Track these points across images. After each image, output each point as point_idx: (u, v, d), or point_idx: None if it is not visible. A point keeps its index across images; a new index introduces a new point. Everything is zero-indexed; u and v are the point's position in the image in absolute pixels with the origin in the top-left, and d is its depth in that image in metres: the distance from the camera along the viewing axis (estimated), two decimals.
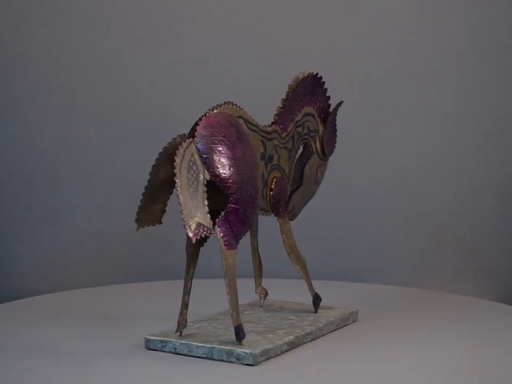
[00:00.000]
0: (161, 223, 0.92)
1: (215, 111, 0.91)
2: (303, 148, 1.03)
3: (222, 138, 0.88)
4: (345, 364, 0.89)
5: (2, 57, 1.37)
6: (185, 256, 0.93)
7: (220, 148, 0.88)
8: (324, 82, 1.03)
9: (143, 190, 0.89)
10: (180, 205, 0.84)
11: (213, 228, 0.86)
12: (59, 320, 1.05)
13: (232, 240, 0.88)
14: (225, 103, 0.92)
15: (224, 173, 0.87)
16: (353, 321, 1.04)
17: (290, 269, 1.03)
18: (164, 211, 0.91)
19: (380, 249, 1.37)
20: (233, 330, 0.89)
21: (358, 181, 1.36)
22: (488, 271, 1.36)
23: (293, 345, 0.93)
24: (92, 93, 1.37)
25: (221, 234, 0.87)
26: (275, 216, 0.98)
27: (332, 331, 1.00)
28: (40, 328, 1.01)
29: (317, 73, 1.02)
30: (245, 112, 0.93)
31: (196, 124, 0.89)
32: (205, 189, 0.86)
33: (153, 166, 0.89)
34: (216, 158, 0.87)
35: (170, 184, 0.88)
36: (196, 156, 0.87)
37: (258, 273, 1.05)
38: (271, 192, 0.96)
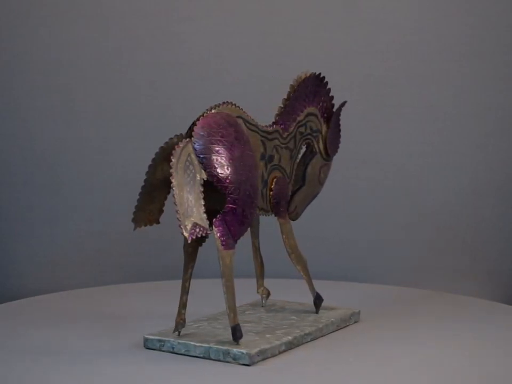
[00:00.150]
0: (158, 222, 0.92)
1: (213, 111, 0.90)
2: (306, 148, 1.03)
3: (219, 138, 0.88)
4: (345, 364, 0.89)
5: (2, 57, 1.37)
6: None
7: (218, 148, 0.88)
8: (327, 82, 1.02)
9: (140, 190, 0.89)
10: (176, 205, 0.84)
11: (211, 227, 0.86)
12: (59, 320, 1.05)
13: (230, 240, 0.87)
14: (223, 103, 0.92)
15: (221, 173, 0.87)
16: (355, 322, 1.04)
17: (291, 269, 1.03)
18: (161, 211, 0.91)
19: (380, 249, 1.37)
20: None
21: (358, 181, 1.36)
22: (488, 271, 1.36)
23: (291, 346, 0.92)
24: (92, 93, 1.37)
25: (218, 234, 0.87)
26: (275, 216, 0.98)
27: (333, 331, 1.00)
28: (40, 328, 1.01)
29: (319, 73, 1.01)
30: (244, 112, 0.93)
31: (193, 124, 0.89)
32: (202, 189, 0.86)
33: (150, 166, 0.89)
34: (213, 158, 0.87)
35: (167, 184, 0.88)
36: (193, 156, 0.87)
37: (260, 273, 1.05)
38: (271, 192, 0.96)
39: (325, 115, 1.03)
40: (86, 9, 1.37)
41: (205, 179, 0.87)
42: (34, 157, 1.38)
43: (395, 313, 1.09)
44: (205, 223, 0.85)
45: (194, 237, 0.84)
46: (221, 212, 0.88)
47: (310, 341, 0.95)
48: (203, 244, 0.93)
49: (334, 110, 1.04)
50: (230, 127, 0.89)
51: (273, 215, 0.98)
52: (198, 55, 1.37)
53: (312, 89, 1.01)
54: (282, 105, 0.99)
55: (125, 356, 0.90)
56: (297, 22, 1.36)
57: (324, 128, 1.03)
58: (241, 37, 1.36)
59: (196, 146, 0.87)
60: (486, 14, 1.34)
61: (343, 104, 1.04)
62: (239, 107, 0.93)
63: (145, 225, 0.91)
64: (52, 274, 1.37)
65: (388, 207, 1.37)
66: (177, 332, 0.92)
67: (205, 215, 0.85)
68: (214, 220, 0.87)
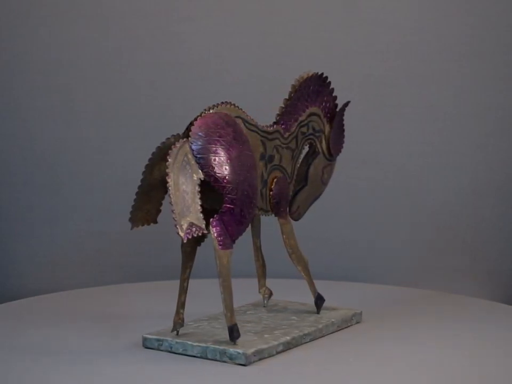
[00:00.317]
0: (156, 222, 0.92)
1: (211, 111, 0.90)
2: (309, 148, 1.03)
3: (217, 138, 0.88)
4: (344, 364, 0.89)
5: (2, 57, 1.37)
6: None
7: (215, 148, 0.88)
8: (330, 82, 1.02)
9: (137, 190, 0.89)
10: (171, 205, 0.84)
11: (208, 227, 0.86)
12: (59, 320, 1.05)
13: (227, 240, 0.87)
14: (222, 103, 0.92)
15: (218, 173, 0.87)
16: (357, 322, 1.04)
17: (292, 269, 1.03)
18: (159, 211, 0.91)
19: (380, 249, 1.37)
20: None
21: (358, 181, 1.36)
22: (488, 271, 1.36)
23: (289, 346, 0.92)
24: (92, 93, 1.37)
25: (215, 234, 0.87)
26: (275, 216, 0.98)
27: (333, 332, 0.99)
28: (40, 328, 1.01)
29: (322, 73, 1.01)
30: (243, 112, 0.93)
31: (191, 124, 0.89)
32: (198, 189, 0.86)
33: (146, 166, 0.89)
34: (210, 158, 0.87)
35: (164, 184, 0.88)
36: (190, 156, 0.87)
37: (262, 273, 1.05)
38: (271, 192, 0.96)
39: (328, 115, 1.03)
40: (86, 9, 1.37)
41: (202, 179, 0.86)
42: (34, 157, 1.38)
43: (395, 313, 1.09)
44: (201, 223, 0.85)
45: (190, 237, 0.84)
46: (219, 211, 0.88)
47: (309, 341, 0.95)
48: (202, 244, 0.93)
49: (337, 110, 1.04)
50: (228, 127, 0.89)
51: (273, 215, 0.98)
52: (198, 55, 1.37)
53: (314, 89, 1.01)
54: (283, 105, 0.99)
55: (125, 355, 0.90)
56: (297, 22, 1.36)
57: (327, 128, 1.03)
58: (241, 37, 1.36)
59: (193, 146, 0.87)
60: (486, 14, 1.34)
61: (346, 104, 1.03)
62: (238, 107, 0.93)
63: (143, 225, 0.91)
64: (52, 274, 1.37)
65: (388, 207, 1.37)
66: (175, 332, 0.92)
67: (201, 215, 0.85)
68: (211, 219, 0.87)
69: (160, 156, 0.89)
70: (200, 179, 0.86)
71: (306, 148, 1.02)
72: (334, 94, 1.03)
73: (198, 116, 0.90)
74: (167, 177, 0.85)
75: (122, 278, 1.34)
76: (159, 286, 1.26)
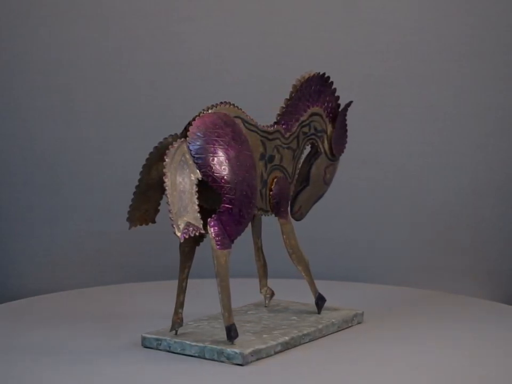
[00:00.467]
0: (154, 222, 0.92)
1: (210, 111, 0.90)
2: (311, 148, 1.03)
3: (215, 138, 0.88)
4: (344, 364, 0.89)
5: (2, 57, 1.37)
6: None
7: (213, 148, 0.88)
8: (332, 82, 1.02)
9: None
10: (168, 205, 0.84)
11: (206, 227, 0.86)
12: (59, 320, 1.05)
13: (225, 240, 0.87)
14: (221, 103, 0.91)
15: (216, 173, 0.87)
16: (358, 323, 1.04)
17: (293, 268, 1.03)
18: (157, 210, 0.91)
19: (380, 249, 1.37)
20: None
21: (358, 181, 1.36)
22: (488, 271, 1.36)
23: (288, 346, 0.92)
24: (92, 93, 1.37)
25: (213, 234, 0.87)
26: (275, 216, 0.98)
27: (333, 332, 0.99)
28: (40, 328, 1.01)
29: (324, 73, 1.01)
30: (243, 112, 0.93)
31: (189, 123, 0.89)
32: (196, 189, 0.86)
33: (144, 166, 0.89)
34: (209, 158, 0.87)
35: (161, 184, 0.88)
36: (188, 156, 0.87)
37: (263, 273, 1.04)
38: (271, 192, 0.96)
39: (331, 115, 1.03)
40: (86, 9, 1.37)
41: (200, 179, 0.86)
42: (34, 157, 1.38)
43: (395, 313, 1.09)
44: (199, 223, 0.85)
45: (187, 236, 0.84)
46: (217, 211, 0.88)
47: (309, 341, 0.95)
48: (202, 244, 0.92)
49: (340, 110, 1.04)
50: (227, 127, 0.89)
51: (273, 215, 0.98)
52: (198, 55, 1.37)
53: (316, 89, 1.00)
54: (284, 105, 0.98)
55: (125, 355, 0.90)
56: (297, 22, 1.36)
57: (329, 128, 1.03)
58: (241, 37, 1.36)
59: (191, 146, 0.87)
60: (486, 14, 1.34)
61: (349, 104, 1.03)
62: (237, 107, 0.93)
63: (141, 225, 0.91)
64: (52, 274, 1.37)
65: (388, 207, 1.37)
66: (174, 331, 0.92)
67: (198, 215, 0.85)
68: (208, 219, 0.87)
69: (158, 155, 0.89)
70: (198, 179, 0.86)
71: (308, 148, 1.02)
72: (336, 94, 1.03)
73: (196, 116, 0.90)
74: (164, 177, 0.85)
75: (122, 278, 1.34)
76: (159, 286, 1.26)
